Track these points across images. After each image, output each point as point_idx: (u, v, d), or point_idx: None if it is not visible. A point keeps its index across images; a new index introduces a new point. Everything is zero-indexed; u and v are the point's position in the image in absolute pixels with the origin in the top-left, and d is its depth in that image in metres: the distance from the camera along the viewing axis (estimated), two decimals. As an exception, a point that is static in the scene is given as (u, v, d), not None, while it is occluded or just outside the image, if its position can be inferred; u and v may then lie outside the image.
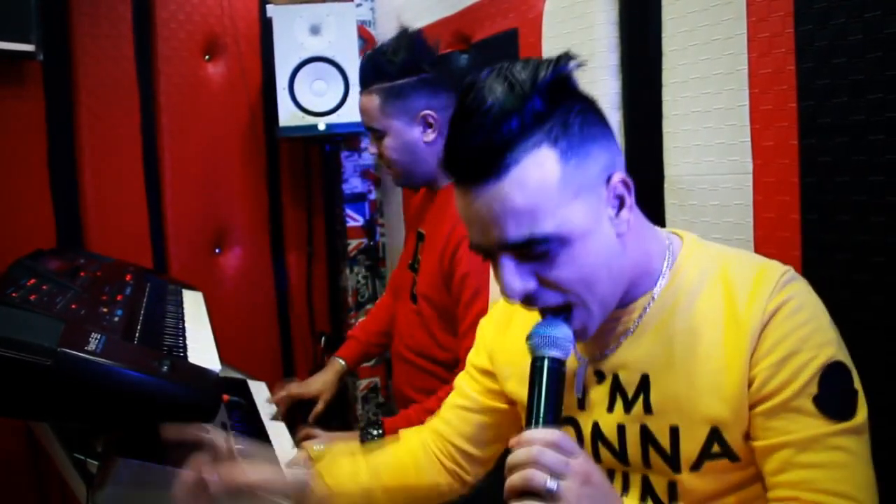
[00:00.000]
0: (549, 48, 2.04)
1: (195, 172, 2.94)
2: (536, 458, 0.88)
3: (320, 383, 2.22)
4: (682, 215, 1.65)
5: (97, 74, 2.67)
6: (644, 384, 1.06)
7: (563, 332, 1.01)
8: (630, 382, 1.08)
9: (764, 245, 1.45)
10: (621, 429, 1.09)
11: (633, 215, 1.04)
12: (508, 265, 1.00)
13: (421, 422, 1.75)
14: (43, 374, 1.22)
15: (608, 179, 1.01)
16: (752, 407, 0.98)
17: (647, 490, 1.09)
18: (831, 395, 0.95)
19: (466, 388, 1.35)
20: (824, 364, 0.96)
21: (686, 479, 1.04)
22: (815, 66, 1.34)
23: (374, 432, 1.79)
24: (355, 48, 2.84)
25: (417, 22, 2.61)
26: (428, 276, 1.90)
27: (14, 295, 1.48)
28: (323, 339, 3.19)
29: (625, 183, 1.02)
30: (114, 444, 1.40)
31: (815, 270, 1.36)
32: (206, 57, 2.96)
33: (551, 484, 0.87)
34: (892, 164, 1.23)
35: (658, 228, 1.13)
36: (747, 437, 1.00)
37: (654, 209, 1.67)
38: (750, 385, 0.98)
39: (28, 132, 2.54)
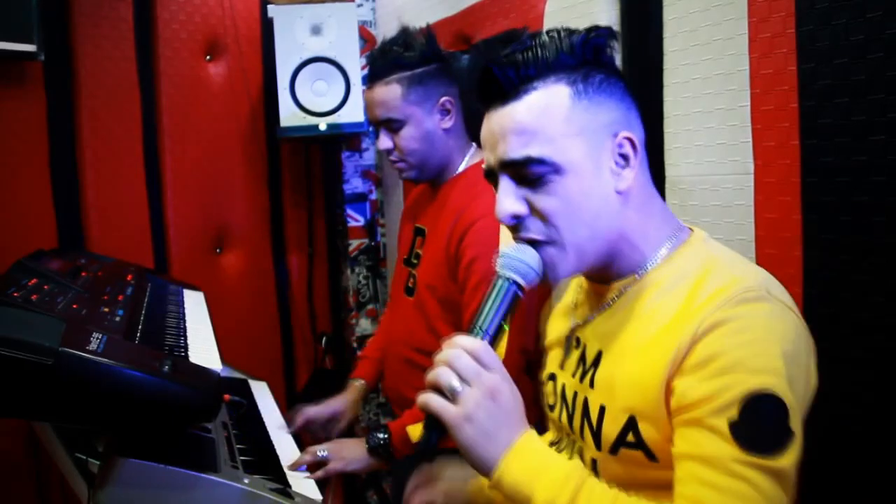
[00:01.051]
0: (551, 48, 2.04)
1: (196, 172, 2.95)
2: (452, 360, 0.97)
3: (341, 403, 2.12)
4: (683, 215, 1.64)
5: (98, 75, 2.67)
6: (597, 359, 1.12)
7: (531, 259, 1.06)
8: (590, 355, 1.14)
9: (765, 245, 1.46)
10: (574, 395, 1.16)
11: (638, 181, 1.09)
12: (506, 185, 1.08)
13: None
14: (44, 373, 1.22)
15: (616, 135, 1.08)
16: (675, 414, 0.98)
17: (580, 459, 1.14)
18: (751, 425, 0.90)
19: None
20: (752, 391, 0.91)
21: (603, 459, 1.08)
22: (817, 66, 1.34)
23: (381, 436, 1.79)
24: (356, 48, 2.84)
25: (418, 22, 2.60)
26: (432, 267, 1.89)
27: (16, 295, 1.48)
28: (324, 339, 3.19)
29: (631, 142, 1.08)
30: (115, 444, 1.40)
31: (816, 271, 1.36)
32: (207, 57, 2.97)
33: (456, 384, 0.96)
34: (894, 165, 1.23)
35: (675, 218, 1.16)
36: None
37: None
38: (670, 389, 0.98)
39: (29, 132, 2.54)
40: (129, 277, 2.11)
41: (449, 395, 0.97)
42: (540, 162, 1.05)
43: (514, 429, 0.99)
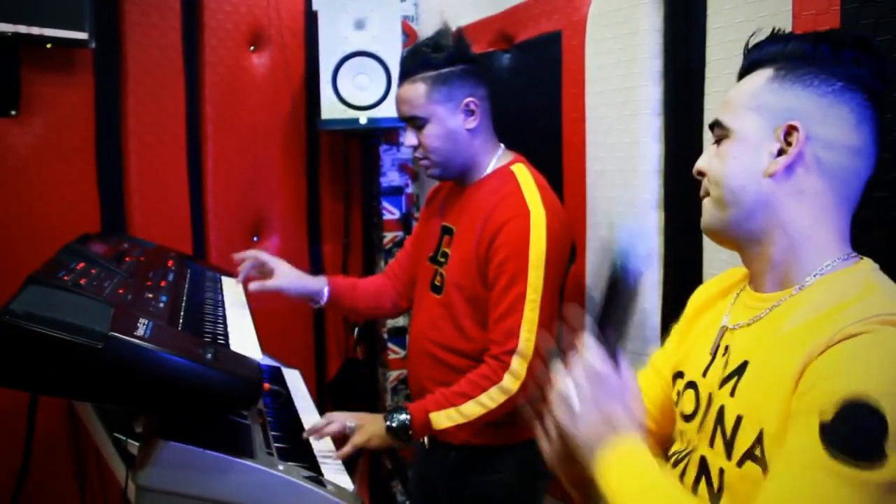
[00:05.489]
0: (592, 52, 2.05)
1: (237, 161, 2.99)
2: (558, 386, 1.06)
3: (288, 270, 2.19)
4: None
5: (145, 63, 2.73)
6: (741, 369, 1.07)
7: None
8: (734, 363, 1.10)
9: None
10: (709, 401, 1.13)
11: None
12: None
13: (452, 404, 1.78)
14: (93, 356, 1.25)
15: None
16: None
17: (703, 470, 1.10)
18: (845, 429, 0.84)
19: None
20: (854, 397, 0.84)
21: (730, 470, 1.04)
22: (860, 81, 1.34)
23: (401, 417, 1.80)
24: (398, 43, 2.87)
25: (460, 19, 2.62)
26: (461, 265, 1.92)
27: (66, 278, 1.52)
28: (356, 329, 3.23)
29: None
30: (154, 426, 1.44)
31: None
32: (251, 48, 3.00)
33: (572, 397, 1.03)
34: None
35: (847, 239, 1.10)
36: None
37: (694, 216, 1.68)
38: (792, 397, 0.94)
39: (78, 118, 2.60)
40: (170, 263, 2.15)
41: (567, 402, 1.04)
42: None
43: (617, 426, 1.02)
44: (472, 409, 1.78)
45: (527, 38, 2.41)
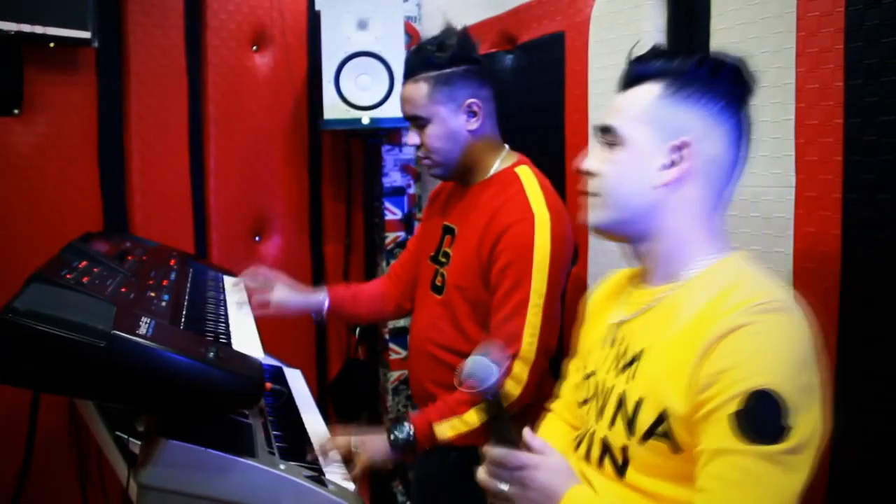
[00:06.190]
0: (595, 53, 2.05)
1: (239, 161, 2.99)
2: (491, 472, 1.18)
3: (287, 286, 2.23)
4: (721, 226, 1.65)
5: (148, 62, 2.73)
6: (639, 356, 1.21)
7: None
8: (632, 352, 1.23)
9: (803, 259, 1.46)
10: (612, 389, 1.25)
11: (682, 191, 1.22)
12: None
13: (455, 413, 1.78)
14: (96, 355, 1.25)
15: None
16: (695, 409, 1.07)
17: (605, 450, 1.23)
18: (751, 416, 1.01)
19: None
20: (755, 387, 1.01)
21: (634, 447, 1.17)
22: (864, 83, 1.34)
23: (405, 431, 1.80)
24: (401, 44, 2.87)
25: (464, 20, 2.61)
26: (462, 267, 1.91)
27: (68, 277, 1.51)
28: (357, 330, 3.23)
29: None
30: (156, 425, 1.44)
31: (854, 287, 1.37)
32: (254, 48, 3.01)
33: (501, 486, 1.16)
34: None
35: (722, 237, 1.26)
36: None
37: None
38: (694, 385, 1.07)
39: (80, 117, 2.61)
40: (173, 262, 2.15)
41: (501, 496, 1.17)
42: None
43: (556, 492, 1.13)
44: (474, 417, 1.76)
45: (530, 38, 2.41)
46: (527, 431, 1.19)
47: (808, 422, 1.02)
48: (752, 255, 1.23)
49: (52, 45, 2.42)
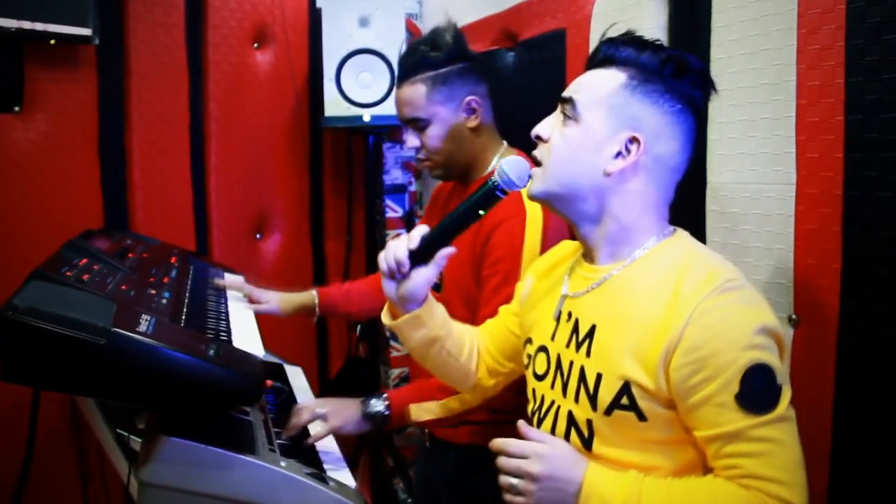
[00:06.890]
0: (597, 50, 2.05)
1: (240, 158, 3.00)
2: (503, 467, 1.19)
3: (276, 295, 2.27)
4: (722, 222, 1.65)
5: (149, 60, 2.73)
6: (591, 332, 1.25)
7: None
8: (584, 327, 1.27)
9: (804, 256, 1.46)
10: (571, 364, 1.28)
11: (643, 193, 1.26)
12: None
13: (433, 398, 1.78)
14: (96, 352, 1.25)
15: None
16: (681, 395, 1.12)
17: (571, 423, 1.26)
18: (752, 393, 1.08)
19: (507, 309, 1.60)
20: (746, 366, 1.08)
21: (598, 419, 1.21)
22: (865, 80, 1.34)
23: (379, 406, 1.80)
24: (402, 41, 2.86)
25: (465, 17, 2.63)
26: (458, 264, 1.91)
27: (69, 274, 1.51)
28: (358, 328, 3.22)
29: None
30: (157, 423, 1.44)
31: (854, 284, 1.37)
32: (255, 45, 3.01)
33: (513, 481, 1.17)
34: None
35: (665, 220, 1.29)
36: (669, 406, 1.15)
37: (695, 215, 1.68)
38: (668, 366, 1.12)
39: (81, 115, 2.61)
40: (173, 260, 2.15)
41: (514, 491, 1.18)
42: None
43: (573, 478, 1.16)
44: (452, 405, 1.76)
45: (531, 36, 2.41)
46: (521, 423, 1.22)
47: (785, 374, 1.11)
48: (747, 240, 1.30)
49: (52, 42, 2.42)
